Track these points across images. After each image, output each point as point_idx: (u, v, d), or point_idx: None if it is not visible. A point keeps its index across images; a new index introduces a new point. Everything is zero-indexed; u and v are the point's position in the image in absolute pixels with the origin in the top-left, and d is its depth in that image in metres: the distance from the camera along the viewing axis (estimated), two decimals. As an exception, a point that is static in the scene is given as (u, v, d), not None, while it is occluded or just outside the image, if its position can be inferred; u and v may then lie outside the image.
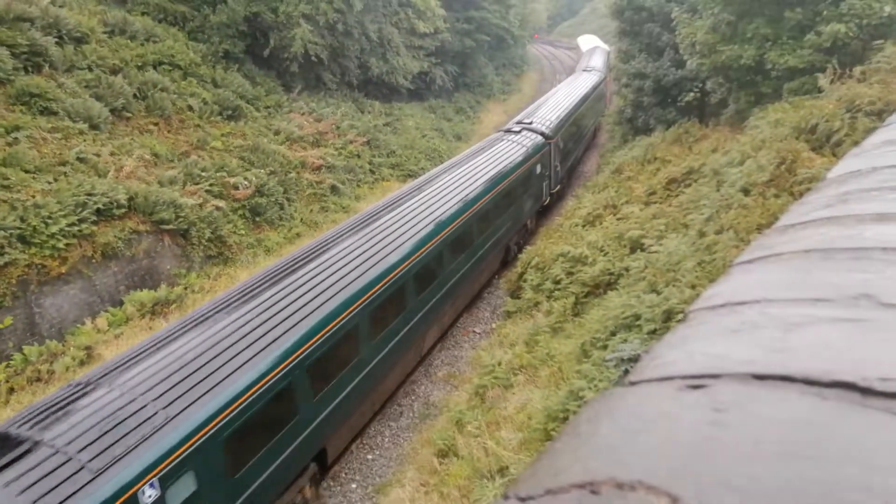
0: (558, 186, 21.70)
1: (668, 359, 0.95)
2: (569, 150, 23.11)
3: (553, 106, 23.46)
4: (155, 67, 20.98)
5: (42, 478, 5.40)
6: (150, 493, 5.90)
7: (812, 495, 0.58)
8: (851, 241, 1.32)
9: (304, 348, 8.16)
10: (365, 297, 9.76)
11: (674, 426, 0.72)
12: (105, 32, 20.63)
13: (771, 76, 13.72)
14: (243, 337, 7.66)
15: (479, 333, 14.69)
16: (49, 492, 5.32)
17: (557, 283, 13.05)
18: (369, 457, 10.88)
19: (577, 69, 38.23)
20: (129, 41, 21.16)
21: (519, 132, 19.13)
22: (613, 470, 0.65)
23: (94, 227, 14.37)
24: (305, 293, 9.03)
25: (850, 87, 9.90)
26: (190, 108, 20.96)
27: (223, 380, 6.97)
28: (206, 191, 17.88)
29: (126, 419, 6.09)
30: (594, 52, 43.59)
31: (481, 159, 16.42)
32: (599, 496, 0.61)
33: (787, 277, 1.22)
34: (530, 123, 20.19)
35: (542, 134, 19.45)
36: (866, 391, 0.75)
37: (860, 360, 0.82)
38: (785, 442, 0.67)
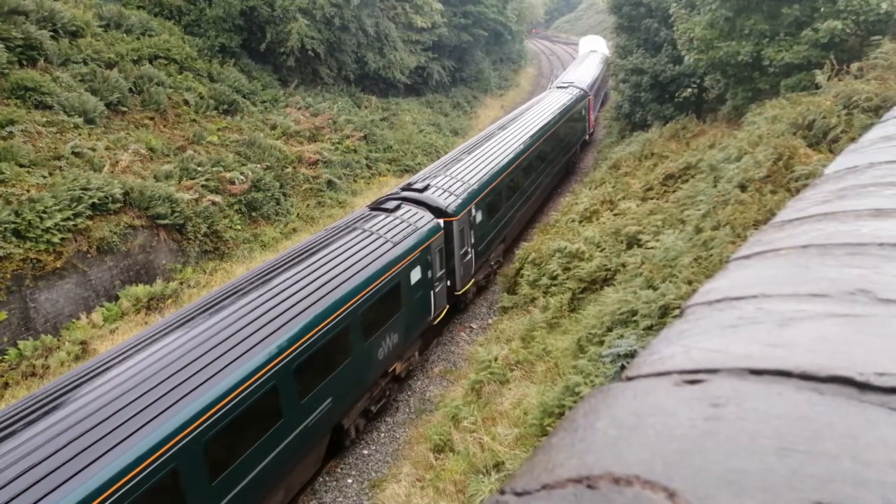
0: (471, 282, 14.79)
1: (664, 354, 0.95)
2: (502, 218, 16.44)
3: (484, 153, 16.67)
4: (151, 61, 20.89)
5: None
6: None
7: (808, 490, 0.58)
8: (849, 236, 1.32)
9: None
10: None
11: (670, 421, 0.72)
12: (100, 26, 20.53)
13: (768, 72, 13.72)
14: None
15: (476, 329, 14.71)
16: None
17: (554, 278, 13.06)
18: (365, 452, 10.90)
19: (551, 85, 31.70)
20: (124, 35, 21.06)
21: (394, 210, 12.37)
22: (610, 464, 0.64)
23: (90, 222, 14.33)
24: None
25: (847, 83, 9.91)
26: (186, 102, 20.88)
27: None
28: (202, 186, 17.84)
29: None
30: (584, 60, 37.80)
31: (298, 275, 9.62)
32: (596, 491, 0.61)
33: (785, 273, 1.22)
34: (423, 190, 13.60)
35: (436, 210, 12.97)
36: (863, 386, 0.74)
37: (857, 355, 0.82)
38: (782, 437, 0.67)
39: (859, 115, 8.76)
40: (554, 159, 21.83)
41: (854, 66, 10.70)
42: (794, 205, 1.84)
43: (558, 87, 27.71)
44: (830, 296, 1.04)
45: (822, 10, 12.28)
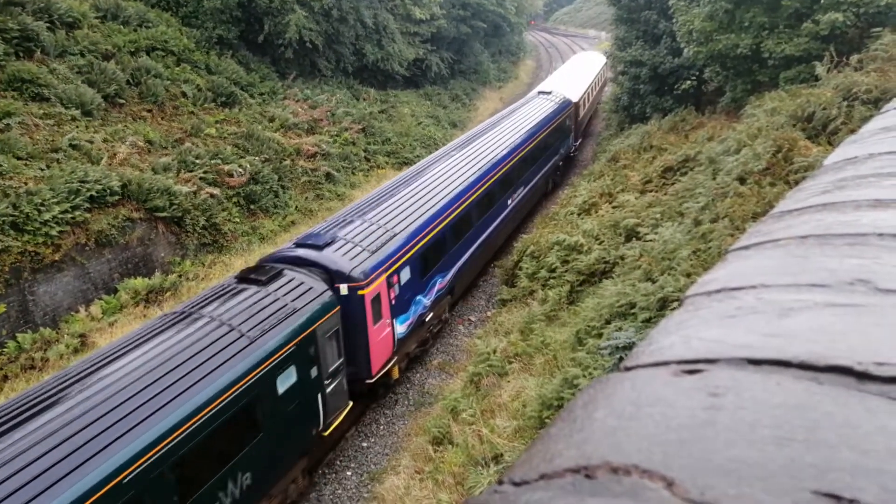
0: None
1: (663, 344, 0.95)
2: None
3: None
4: (148, 53, 20.78)
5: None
6: None
7: (807, 479, 0.58)
8: (848, 227, 1.32)
9: None
10: None
11: (669, 411, 0.72)
12: (97, 17, 20.41)
13: (768, 65, 13.69)
14: None
15: (474, 321, 14.72)
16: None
17: (552, 271, 13.07)
18: (364, 444, 10.93)
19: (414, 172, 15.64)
20: (121, 26, 20.95)
21: None
22: (608, 454, 0.64)
23: (88, 215, 14.30)
24: None
25: (847, 75, 9.89)
26: (184, 94, 20.80)
27: None
28: (201, 178, 17.78)
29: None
30: (487, 130, 19.06)
31: None
32: (594, 480, 0.60)
33: (784, 263, 1.22)
34: None
35: None
36: (862, 376, 0.74)
37: (856, 344, 0.82)
38: (780, 426, 0.66)
39: (859, 106, 8.75)
40: None
41: (854, 58, 10.68)
42: (793, 195, 1.84)
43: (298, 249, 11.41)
44: (830, 286, 1.04)
45: (823, 2, 12.23)
